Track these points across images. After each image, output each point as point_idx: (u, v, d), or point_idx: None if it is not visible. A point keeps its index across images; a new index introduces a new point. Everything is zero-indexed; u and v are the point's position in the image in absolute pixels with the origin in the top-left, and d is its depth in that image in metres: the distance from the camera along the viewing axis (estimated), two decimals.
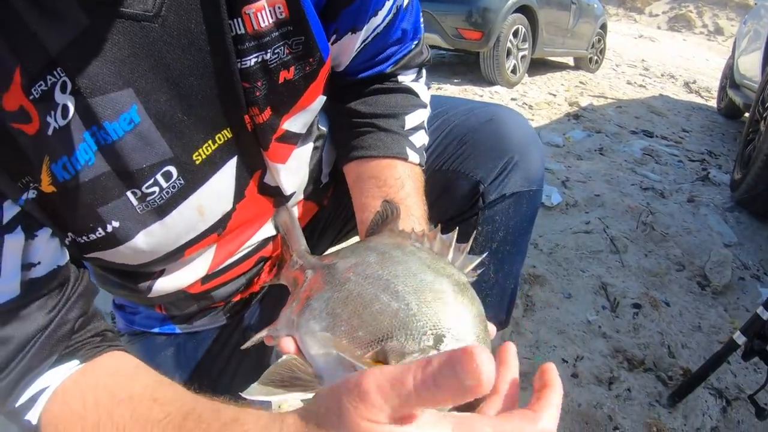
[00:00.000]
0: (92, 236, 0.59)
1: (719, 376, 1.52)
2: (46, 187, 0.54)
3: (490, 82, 5.03)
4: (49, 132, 0.52)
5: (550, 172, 2.79)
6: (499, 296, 0.94)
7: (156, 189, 0.60)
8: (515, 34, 5.09)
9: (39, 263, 0.55)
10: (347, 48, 0.73)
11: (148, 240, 0.64)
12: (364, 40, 0.73)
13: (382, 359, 0.45)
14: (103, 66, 0.53)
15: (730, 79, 4.53)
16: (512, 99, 4.57)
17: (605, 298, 1.73)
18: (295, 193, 0.79)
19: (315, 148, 0.80)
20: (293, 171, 0.76)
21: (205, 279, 0.79)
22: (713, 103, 5.86)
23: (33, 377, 0.54)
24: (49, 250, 0.56)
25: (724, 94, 4.94)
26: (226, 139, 0.65)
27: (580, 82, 6.04)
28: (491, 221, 0.88)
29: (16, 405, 0.53)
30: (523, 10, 5.14)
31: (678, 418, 1.37)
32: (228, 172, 0.67)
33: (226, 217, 0.71)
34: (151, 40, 0.55)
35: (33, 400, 0.54)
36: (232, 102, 0.63)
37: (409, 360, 0.44)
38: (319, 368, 0.50)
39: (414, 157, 0.79)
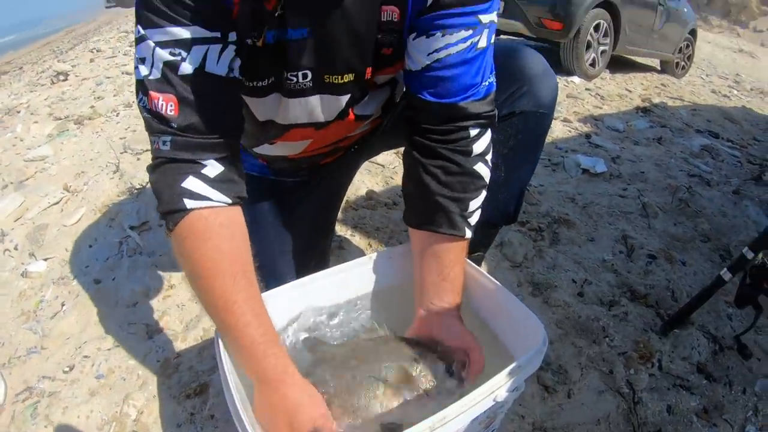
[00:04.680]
0: (258, 83, 0.96)
1: (718, 326, 1.71)
2: (260, 42, 0.89)
3: (569, 72, 5.18)
4: (276, 14, 0.88)
5: (603, 149, 3.00)
6: (507, 193, 1.27)
7: (294, 80, 0.97)
8: (596, 28, 5.21)
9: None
10: (420, 46, 0.98)
11: (275, 104, 1.02)
12: (437, 50, 0.96)
13: None
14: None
15: None
16: (587, 89, 4.73)
17: (624, 246, 1.95)
18: (372, 113, 1.18)
19: (391, 93, 1.18)
20: (374, 100, 1.15)
21: (298, 153, 1.23)
22: None
23: (204, 158, 0.86)
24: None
25: None
26: (350, 79, 1.00)
27: (662, 84, 6.07)
28: (503, 131, 1.15)
29: (182, 184, 0.84)
30: (606, 5, 5.24)
31: (666, 345, 1.57)
32: (342, 100, 1.04)
33: (326, 123, 1.10)
34: None
35: (191, 194, 0.85)
36: (363, 57, 0.99)
37: None
38: None
39: (468, 234, 1.04)
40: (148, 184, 2.22)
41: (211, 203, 0.86)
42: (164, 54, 0.81)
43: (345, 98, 1.04)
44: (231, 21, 0.85)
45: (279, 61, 0.95)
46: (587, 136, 3.26)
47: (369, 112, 1.16)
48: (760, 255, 1.41)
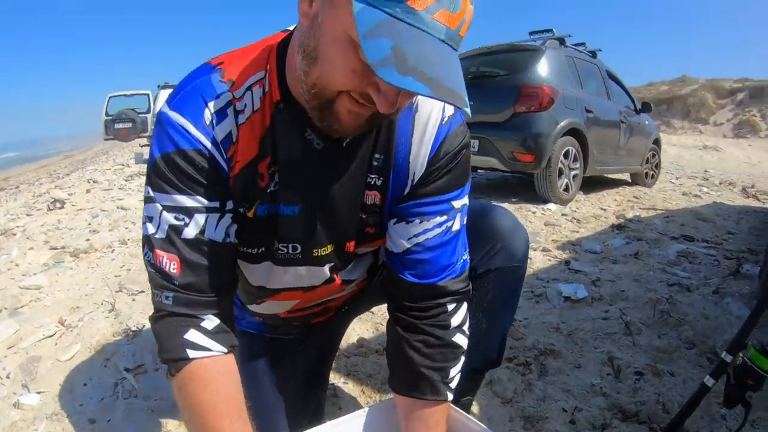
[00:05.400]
0: (250, 250, 1.08)
1: (713, 429, 1.78)
2: (250, 213, 1.02)
3: (544, 200, 5.51)
4: (268, 190, 1.01)
5: (583, 273, 3.18)
6: (490, 341, 1.36)
7: (285, 251, 1.09)
8: (566, 155, 5.65)
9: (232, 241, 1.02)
10: (400, 231, 1.10)
11: (266, 271, 1.15)
12: (416, 235, 1.08)
13: None
14: (296, 176, 1.01)
15: None
16: (563, 214, 5.01)
17: (611, 367, 2.07)
18: (358, 278, 1.31)
19: (375, 258, 1.31)
20: (359, 266, 1.28)
21: (289, 312, 1.34)
22: None
23: (203, 313, 0.97)
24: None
25: None
26: (331, 250, 1.13)
27: (634, 197, 6.40)
28: (481, 287, 1.25)
29: (185, 336, 0.95)
30: (573, 132, 5.72)
31: None
32: (326, 268, 1.17)
33: (312, 287, 1.23)
34: (328, 169, 1.02)
35: (192, 345, 0.95)
36: (347, 234, 1.12)
37: None
38: None
39: (450, 396, 1.14)
40: (144, 327, 2.30)
41: (210, 353, 0.96)
42: (170, 218, 0.94)
43: (327, 267, 1.16)
44: (228, 190, 0.98)
45: (270, 232, 1.05)
46: (566, 262, 3.45)
47: (354, 277, 1.27)
48: (740, 355, 1.49)
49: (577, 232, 4.41)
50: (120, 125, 15.52)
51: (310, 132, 0.97)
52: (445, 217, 1.08)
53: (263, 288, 1.20)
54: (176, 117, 0.92)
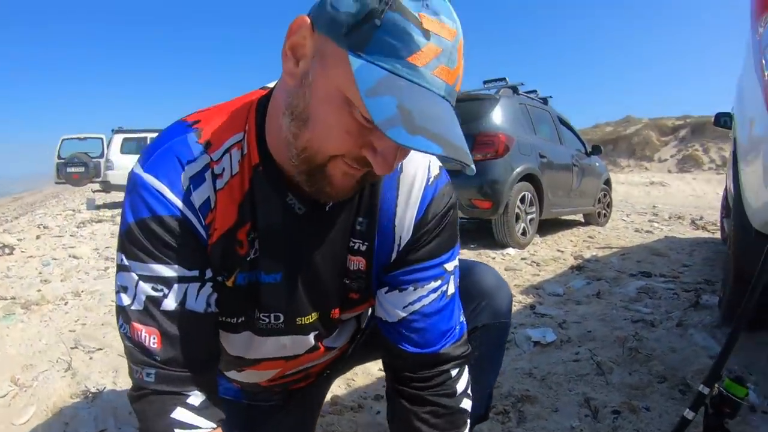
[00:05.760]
0: (229, 320, 1.01)
1: None
2: (229, 281, 0.97)
3: (503, 245, 5.59)
4: (248, 258, 0.96)
5: (549, 317, 3.21)
6: (479, 398, 1.31)
7: (267, 320, 1.04)
8: (522, 200, 5.79)
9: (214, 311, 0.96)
10: (394, 300, 1.06)
11: (246, 342, 1.09)
12: (411, 303, 1.04)
13: None
14: (277, 243, 0.96)
15: (726, 209, 4.97)
16: (522, 258, 5.09)
17: (588, 408, 2.07)
18: (342, 343, 1.28)
19: (358, 323, 1.29)
20: (344, 332, 1.25)
21: (269, 380, 1.29)
22: (719, 235, 6.25)
23: (188, 389, 0.91)
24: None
25: (722, 224, 5.38)
26: (316, 318, 1.08)
27: (589, 237, 6.56)
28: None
29: (171, 415, 0.88)
30: (529, 177, 5.87)
31: None
32: (311, 337, 1.12)
33: (296, 356, 1.18)
34: (310, 235, 0.98)
35: (180, 425, 0.89)
36: (331, 301, 1.08)
37: None
38: None
39: None
40: (105, 388, 2.18)
41: (199, 431, 0.90)
42: (147, 288, 0.87)
43: (312, 335, 1.11)
44: (207, 258, 0.92)
45: (251, 301, 1.00)
46: (532, 306, 3.48)
47: (339, 344, 1.24)
48: (715, 386, 1.54)
49: (538, 275, 4.48)
50: (72, 169, 15.11)
51: (291, 197, 0.93)
52: (439, 282, 1.05)
53: (241, 358, 1.16)
54: (151, 180, 0.86)
